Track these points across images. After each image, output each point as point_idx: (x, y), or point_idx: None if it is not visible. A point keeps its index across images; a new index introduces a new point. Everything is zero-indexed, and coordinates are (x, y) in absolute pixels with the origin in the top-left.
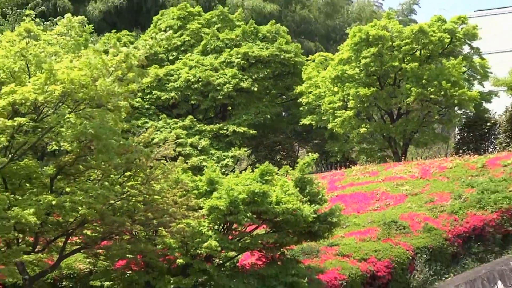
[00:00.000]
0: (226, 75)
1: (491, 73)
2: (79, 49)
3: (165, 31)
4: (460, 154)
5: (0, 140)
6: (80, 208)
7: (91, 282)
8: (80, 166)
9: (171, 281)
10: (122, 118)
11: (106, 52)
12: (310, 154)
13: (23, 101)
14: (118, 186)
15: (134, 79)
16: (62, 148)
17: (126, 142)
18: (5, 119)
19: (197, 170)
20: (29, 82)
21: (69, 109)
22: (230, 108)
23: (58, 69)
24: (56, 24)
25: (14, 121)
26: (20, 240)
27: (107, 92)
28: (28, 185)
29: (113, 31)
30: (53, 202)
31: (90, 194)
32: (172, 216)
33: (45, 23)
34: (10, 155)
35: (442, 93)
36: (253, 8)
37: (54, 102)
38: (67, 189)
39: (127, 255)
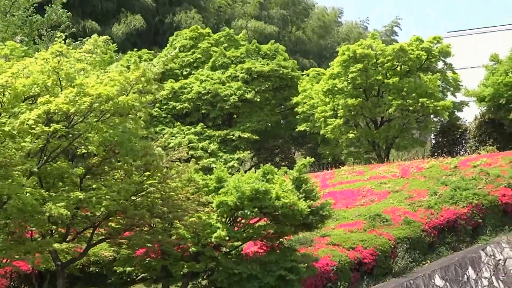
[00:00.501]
0: (232, 87)
1: (462, 85)
2: (105, 65)
3: (179, 49)
4: (436, 156)
5: (36, 144)
6: (104, 202)
7: (115, 267)
8: (106, 167)
9: (185, 266)
10: (142, 125)
11: (128, 67)
12: (307, 157)
13: (57, 110)
14: (139, 183)
15: (152, 90)
16: (89, 151)
17: (145, 145)
18: (41, 125)
19: (207, 170)
20: (61, 94)
21: (96, 118)
22: (235, 116)
23: (87, 83)
24: (84, 43)
25: (50, 127)
26: (53, 231)
27: (128, 105)
28: (60, 183)
29: (135, 49)
30: (81, 197)
31: (113, 189)
32: (185, 210)
33: (75, 42)
34: (45, 157)
35: (420, 103)
36: (255, 29)
37: (83, 112)
38: (94, 186)
39: (146, 244)
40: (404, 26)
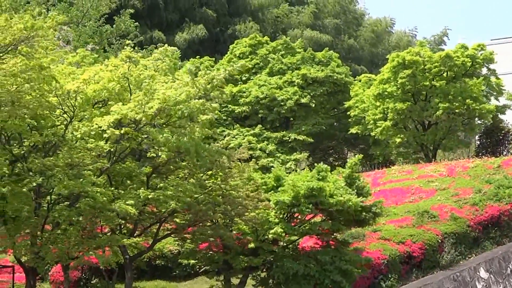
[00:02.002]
0: (289, 92)
1: (505, 90)
2: (172, 72)
3: (239, 57)
4: (480, 156)
5: (107, 145)
6: (171, 201)
7: (179, 260)
8: (171, 167)
9: (244, 260)
10: (206, 127)
11: (196, 74)
12: (357, 157)
13: (125, 117)
14: (202, 182)
15: (217, 97)
16: (156, 154)
17: (209, 147)
18: (112, 129)
19: (265, 169)
20: (131, 99)
21: (163, 120)
22: (292, 119)
23: (155, 89)
24: (151, 52)
25: (120, 130)
26: (122, 227)
27: (197, 109)
28: (128, 182)
29: (197, 57)
30: (150, 196)
31: (179, 189)
32: (245, 207)
33: (142, 51)
34: (114, 158)
35: (465, 107)
36: (310, 38)
37: (151, 117)
38: (160, 185)
39: (209, 239)
40: (452, 33)
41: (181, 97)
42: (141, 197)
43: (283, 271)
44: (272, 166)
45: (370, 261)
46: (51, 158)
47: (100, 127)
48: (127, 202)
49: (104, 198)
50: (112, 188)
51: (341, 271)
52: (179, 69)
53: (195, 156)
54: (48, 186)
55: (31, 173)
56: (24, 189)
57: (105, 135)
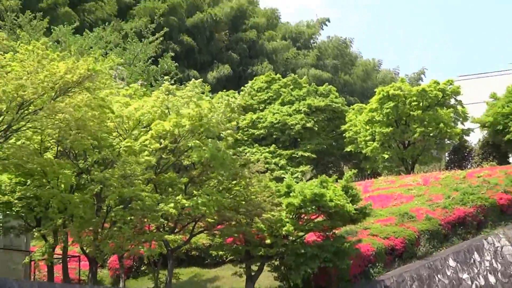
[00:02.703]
0: (297, 118)
1: (469, 116)
2: (200, 100)
3: (257, 90)
4: (449, 169)
5: (153, 159)
6: (202, 207)
7: (210, 251)
8: (203, 177)
9: (262, 251)
10: (230, 145)
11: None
12: (352, 170)
13: (165, 132)
14: (228, 189)
15: (235, 118)
16: (191, 166)
17: (233, 160)
18: (154, 141)
19: (278, 180)
20: (169, 120)
21: (195, 138)
22: (299, 140)
23: (184, 112)
24: (185, 85)
25: (160, 144)
26: (165, 225)
27: (217, 124)
28: (170, 189)
29: (224, 90)
30: (186, 204)
31: (210, 198)
32: (263, 209)
33: (181, 86)
34: (158, 170)
35: (437, 130)
36: (313, 75)
37: (185, 132)
38: (195, 192)
39: (234, 235)
40: (428, 71)
41: (203, 113)
42: (180, 203)
43: (294, 257)
44: (284, 177)
45: (361, 256)
46: (109, 170)
47: (145, 143)
48: (169, 205)
49: (151, 201)
50: (157, 194)
51: (339, 248)
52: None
53: (219, 166)
54: (106, 193)
55: (93, 183)
56: (87, 196)
57: (149, 149)
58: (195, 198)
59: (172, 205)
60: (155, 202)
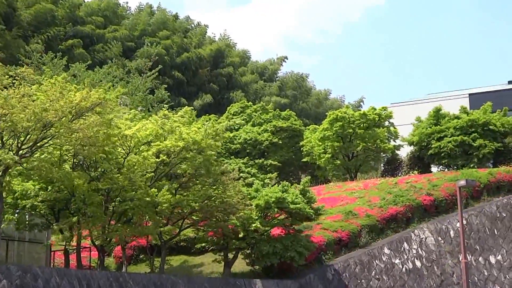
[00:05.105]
0: (265, 136)
1: (399, 135)
2: (190, 124)
3: (234, 114)
4: (384, 177)
5: (151, 170)
6: (191, 203)
7: (195, 243)
8: (190, 183)
9: (236, 243)
10: (213, 158)
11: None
12: (307, 177)
13: (164, 150)
14: (209, 192)
15: (219, 139)
16: (180, 174)
17: (215, 170)
18: (154, 158)
19: (250, 185)
20: (166, 140)
21: (187, 154)
22: (266, 153)
23: (181, 133)
24: (178, 112)
25: (159, 159)
26: (159, 222)
27: (207, 146)
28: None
29: (206, 115)
30: (177, 201)
31: (196, 196)
32: (237, 209)
33: (172, 111)
34: (155, 178)
35: (375, 145)
36: (277, 102)
37: (180, 150)
38: (184, 194)
39: (214, 229)
40: (369, 98)
41: (197, 137)
42: (172, 202)
43: (260, 251)
44: (253, 183)
45: (314, 245)
46: (116, 175)
47: (147, 158)
48: (164, 205)
49: (148, 199)
50: (154, 189)
51: (297, 252)
52: (197, 123)
53: (206, 171)
54: (113, 195)
55: (102, 184)
56: (97, 198)
57: (148, 162)
58: (185, 195)
59: (166, 205)
60: (153, 202)
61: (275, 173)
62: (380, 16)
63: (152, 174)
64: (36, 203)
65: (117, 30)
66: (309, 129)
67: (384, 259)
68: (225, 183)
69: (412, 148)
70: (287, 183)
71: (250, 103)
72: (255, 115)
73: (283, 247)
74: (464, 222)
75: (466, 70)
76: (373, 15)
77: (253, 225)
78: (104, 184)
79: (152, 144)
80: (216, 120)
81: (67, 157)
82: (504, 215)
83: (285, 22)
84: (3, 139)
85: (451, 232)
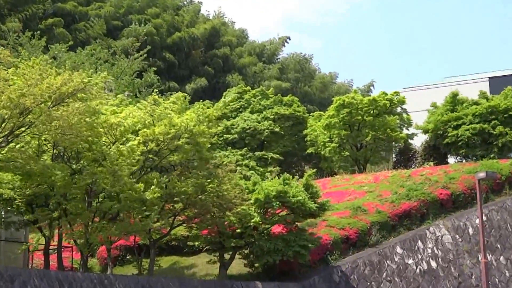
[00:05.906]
0: (265, 124)
1: (413, 122)
2: (182, 112)
3: (230, 101)
4: (396, 169)
5: (139, 161)
6: (183, 195)
7: (188, 242)
8: (183, 177)
9: (233, 242)
10: (207, 148)
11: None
12: (311, 170)
13: (151, 137)
14: (203, 186)
15: (213, 125)
16: (173, 166)
17: (207, 158)
18: (142, 146)
19: (248, 178)
20: (155, 127)
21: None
22: (267, 143)
23: (172, 120)
24: (168, 97)
25: (146, 147)
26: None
27: (199, 133)
28: (153, 187)
29: (200, 101)
30: (168, 192)
31: (192, 184)
32: (234, 204)
33: (162, 96)
34: (143, 172)
35: (386, 134)
36: (278, 86)
37: (170, 138)
38: (178, 184)
39: (208, 227)
40: (377, 83)
41: (190, 123)
42: (162, 194)
43: (260, 248)
44: (252, 176)
45: (319, 240)
46: (99, 168)
47: (133, 147)
48: (153, 196)
49: (136, 194)
50: (141, 184)
51: (300, 246)
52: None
53: (199, 160)
54: (97, 188)
55: (83, 177)
56: (78, 192)
57: (136, 151)
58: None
59: (157, 195)
60: (140, 197)
61: (277, 167)
62: None
63: (139, 166)
64: (14, 196)
65: (102, 7)
66: (313, 116)
67: (396, 259)
68: (220, 176)
69: (426, 137)
70: (288, 175)
71: (248, 87)
72: (254, 101)
73: (285, 244)
74: (484, 218)
75: (486, 51)
76: None
77: (252, 221)
78: (85, 178)
79: (140, 132)
80: (212, 107)
81: (46, 148)
82: None
83: (286, 1)
84: None
85: (470, 230)
